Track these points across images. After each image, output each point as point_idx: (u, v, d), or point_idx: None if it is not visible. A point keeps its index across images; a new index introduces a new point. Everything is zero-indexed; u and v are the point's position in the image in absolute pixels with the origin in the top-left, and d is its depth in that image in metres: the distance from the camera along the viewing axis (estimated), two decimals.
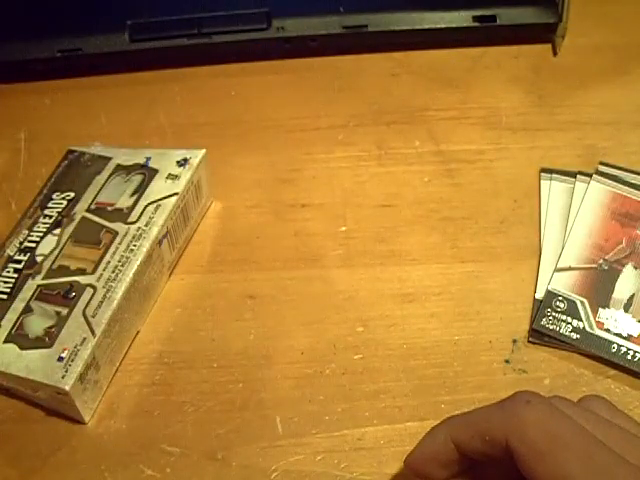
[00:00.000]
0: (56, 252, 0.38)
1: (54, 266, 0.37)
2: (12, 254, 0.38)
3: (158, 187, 0.40)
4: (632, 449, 0.25)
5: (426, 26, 0.49)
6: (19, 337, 0.35)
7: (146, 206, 0.39)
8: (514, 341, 0.37)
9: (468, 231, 0.42)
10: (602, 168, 0.43)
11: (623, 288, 0.38)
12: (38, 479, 0.34)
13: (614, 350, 0.36)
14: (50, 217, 0.40)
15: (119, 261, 0.37)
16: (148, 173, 0.41)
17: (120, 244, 0.37)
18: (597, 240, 0.40)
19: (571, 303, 0.38)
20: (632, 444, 0.25)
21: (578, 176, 0.43)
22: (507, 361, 0.37)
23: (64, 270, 0.37)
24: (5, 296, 0.37)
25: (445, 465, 0.28)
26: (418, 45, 0.51)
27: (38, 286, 0.37)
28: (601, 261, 0.39)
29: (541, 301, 0.38)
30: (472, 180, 0.44)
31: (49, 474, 0.34)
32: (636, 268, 0.39)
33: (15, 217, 0.41)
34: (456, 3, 0.49)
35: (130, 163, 0.41)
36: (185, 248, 0.42)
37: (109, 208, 0.39)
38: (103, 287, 0.36)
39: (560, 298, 0.38)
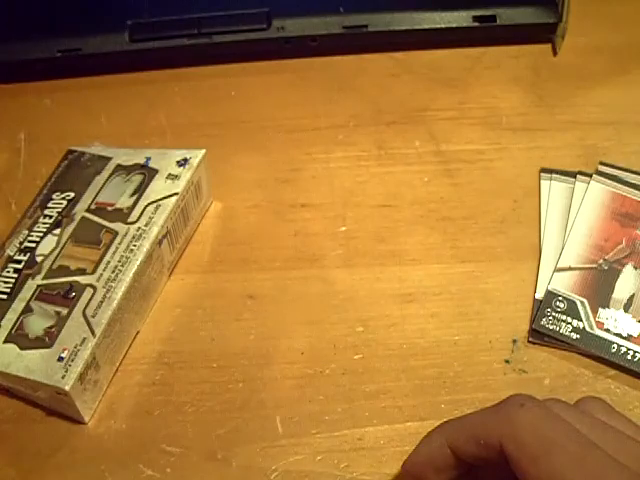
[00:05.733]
0: (56, 252, 0.38)
1: (54, 266, 0.37)
2: (12, 254, 0.38)
3: (158, 187, 0.40)
4: (627, 451, 0.25)
5: (426, 26, 0.49)
6: (19, 337, 0.35)
7: (146, 206, 0.39)
8: (514, 341, 0.37)
9: (468, 231, 0.42)
10: (602, 168, 0.43)
11: (623, 288, 0.38)
12: (38, 479, 0.34)
13: (614, 350, 0.36)
14: (50, 217, 0.40)
15: (119, 261, 0.37)
16: (148, 173, 0.41)
17: (120, 244, 0.38)
18: (597, 240, 0.40)
19: (571, 303, 0.38)
20: (627, 446, 0.25)
21: (578, 176, 0.43)
22: (507, 361, 0.37)
23: (64, 270, 0.37)
24: (5, 296, 0.37)
25: (442, 469, 0.28)
26: (418, 45, 0.51)
27: (38, 286, 0.37)
28: (601, 261, 0.39)
29: (541, 301, 0.38)
30: (472, 180, 0.44)
31: (49, 474, 0.34)
32: (636, 268, 0.39)
33: (15, 217, 0.41)
34: (456, 3, 0.49)
35: (130, 163, 0.41)
36: (185, 248, 0.42)
37: (109, 208, 0.39)
38: (103, 287, 0.36)
39: (560, 298, 0.38)
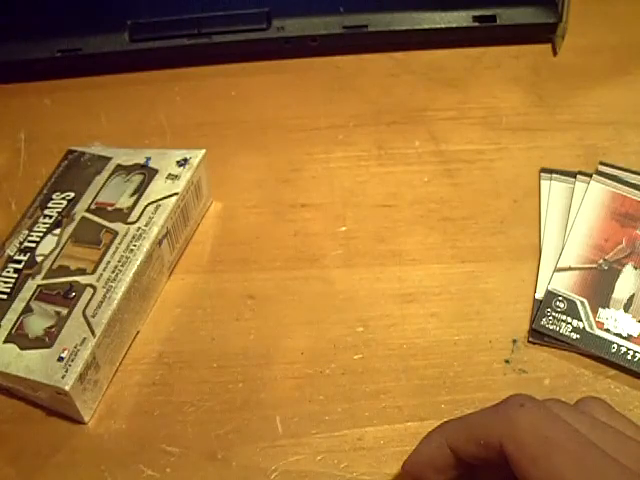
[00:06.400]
0: (56, 252, 0.38)
1: (54, 266, 0.37)
2: (12, 254, 0.38)
3: (158, 187, 0.40)
4: (626, 451, 0.25)
5: (426, 26, 0.49)
6: (19, 337, 0.35)
7: (146, 206, 0.39)
8: (514, 341, 0.37)
9: (468, 231, 0.42)
10: (602, 168, 0.43)
11: (623, 288, 0.38)
12: (38, 479, 0.34)
13: (614, 350, 0.36)
14: (50, 217, 0.40)
15: (119, 261, 0.37)
16: (148, 173, 0.41)
17: (120, 244, 0.38)
18: (597, 240, 0.40)
19: (571, 303, 0.38)
20: (627, 446, 0.25)
21: (578, 176, 0.43)
22: (507, 361, 0.37)
23: (64, 270, 0.37)
24: (5, 296, 0.37)
25: (442, 470, 0.28)
26: (418, 45, 0.51)
27: (38, 286, 0.37)
28: (601, 261, 0.39)
29: (541, 301, 0.38)
30: (472, 180, 0.44)
31: (49, 474, 0.34)
32: (636, 268, 0.39)
33: (15, 217, 0.41)
34: (456, 3, 0.49)
35: (130, 163, 0.41)
36: (185, 248, 0.42)
37: (109, 208, 0.39)
38: (103, 287, 0.36)
39: (560, 298, 0.38)
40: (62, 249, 0.38)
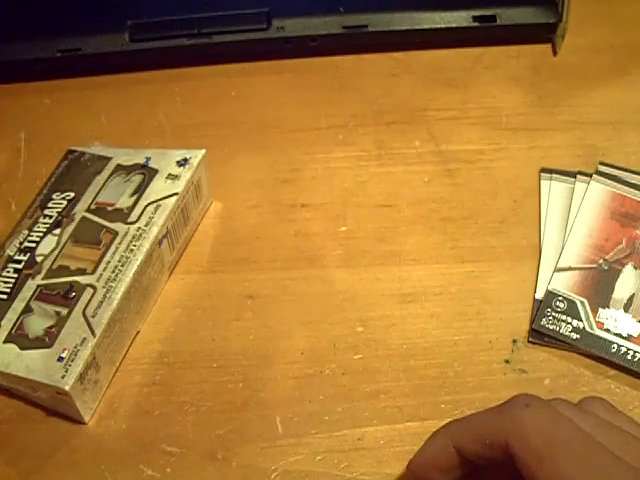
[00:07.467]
0: (56, 252, 0.38)
1: (54, 266, 0.37)
2: (12, 254, 0.38)
3: (158, 187, 0.40)
4: (631, 450, 0.25)
5: (426, 26, 0.49)
6: (19, 337, 0.35)
7: (146, 206, 0.39)
8: (514, 341, 0.37)
9: (468, 231, 0.42)
10: (602, 168, 0.43)
11: (623, 288, 0.38)
12: (38, 479, 0.34)
13: (614, 350, 0.36)
14: (50, 217, 0.40)
15: (119, 261, 0.37)
16: (148, 173, 0.41)
17: (120, 244, 0.38)
18: (597, 240, 0.40)
19: (571, 303, 0.38)
20: (631, 445, 0.25)
21: (578, 176, 0.43)
22: (507, 361, 0.37)
23: (64, 270, 0.37)
24: (5, 296, 0.37)
25: (447, 470, 0.28)
26: (418, 45, 0.51)
27: (38, 286, 0.37)
28: (601, 261, 0.39)
29: (541, 301, 0.38)
30: (472, 180, 0.44)
31: (49, 474, 0.34)
32: (636, 268, 0.39)
33: (15, 217, 0.41)
34: (456, 3, 0.49)
35: (130, 163, 0.41)
36: (185, 248, 0.42)
37: (109, 208, 0.39)
38: (103, 287, 0.36)
39: (560, 298, 0.38)
40: (62, 249, 0.38)
